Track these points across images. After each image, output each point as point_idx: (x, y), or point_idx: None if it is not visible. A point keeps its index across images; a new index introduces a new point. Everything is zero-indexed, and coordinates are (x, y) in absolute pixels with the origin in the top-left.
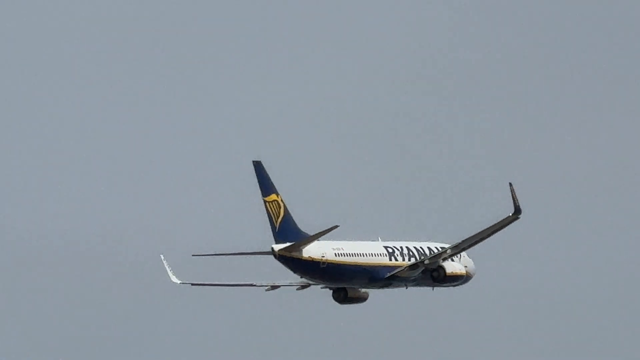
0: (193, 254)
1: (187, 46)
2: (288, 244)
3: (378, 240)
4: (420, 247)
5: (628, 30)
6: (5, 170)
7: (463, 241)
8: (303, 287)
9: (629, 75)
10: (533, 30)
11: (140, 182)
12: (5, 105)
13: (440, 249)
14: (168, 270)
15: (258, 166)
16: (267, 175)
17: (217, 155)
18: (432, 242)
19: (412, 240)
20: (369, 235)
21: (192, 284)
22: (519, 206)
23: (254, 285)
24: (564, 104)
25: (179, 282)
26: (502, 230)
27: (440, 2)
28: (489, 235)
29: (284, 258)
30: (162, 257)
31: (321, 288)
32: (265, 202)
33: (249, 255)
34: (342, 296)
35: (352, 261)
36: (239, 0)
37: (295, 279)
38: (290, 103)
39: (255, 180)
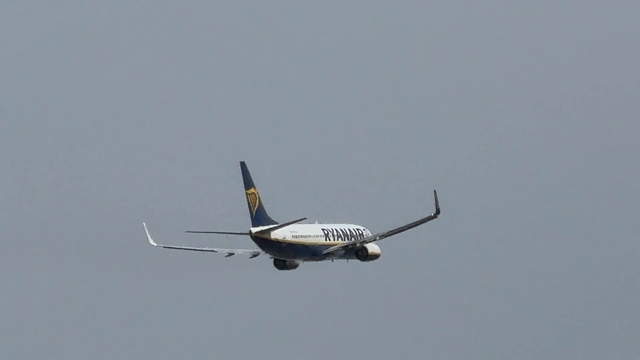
0: (186, 230)
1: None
2: (262, 228)
3: (315, 223)
4: (346, 229)
5: None
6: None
7: (390, 231)
8: (254, 255)
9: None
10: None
11: (149, 174)
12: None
13: (357, 230)
14: (148, 234)
15: (243, 166)
16: (249, 173)
17: (210, 154)
18: (352, 224)
19: (338, 223)
20: (318, 218)
21: (164, 247)
22: (439, 209)
23: (215, 252)
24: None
25: (155, 244)
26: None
27: None
28: (410, 228)
29: (257, 238)
30: (144, 224)
31: (269, 257)
32: (246, 193)
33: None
34: (281, 264)
35: (302, 241)
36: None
37: (249, 248)
38: (272, 112)
39: (241, 176)
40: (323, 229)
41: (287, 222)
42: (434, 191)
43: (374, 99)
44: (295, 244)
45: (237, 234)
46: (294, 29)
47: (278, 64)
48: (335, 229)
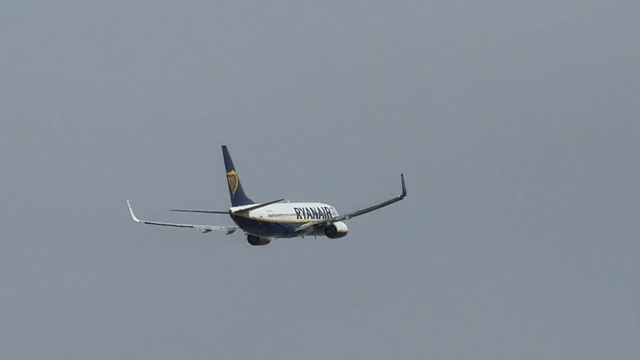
0: (171, 209)
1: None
2: (241, 207)
3: (286, 201)
4: (315, 208)
5: None
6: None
7: (358, 211)
8: (230, 231)
9: None
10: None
11: (136, 158)
12: None
13: (325, 209)
14: (131, 211)
15: (224, 150)
16: (229, 156)
17: (194, 139)
18: (320, 203)
19: (308, 202)
20: (290, 197)
21: (145, 222)
22: (405, 191)
23: (193, 227)
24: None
25: (137, 220)
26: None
27: None
28: (377, 208)
29: (237, 217)
30: (128, 202)
31: (244, 233)
32: (227, 175)
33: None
34: (254, 240)
35: (277, 220)
36: None
37: (225, 224)
38: (251, 101)
39: (222, 159)
40: (295, 208)
41: (265, 202)
42: (401, 175)
43: (347, 83)
44: (271, 223)
45: (218, 212)
46: (271, 14)
47: (256, 55)
48: (306, 208)
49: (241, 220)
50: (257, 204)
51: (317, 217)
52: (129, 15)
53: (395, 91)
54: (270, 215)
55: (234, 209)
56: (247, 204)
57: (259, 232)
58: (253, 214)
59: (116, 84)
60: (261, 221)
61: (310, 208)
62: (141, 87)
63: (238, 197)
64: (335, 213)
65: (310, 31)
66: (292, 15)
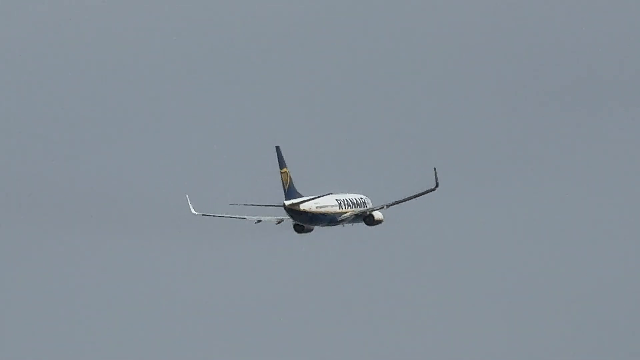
0: (230, 203)
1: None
2: (293, 201)
3: (330, 193)
4: (352, 198)
5: None
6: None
7: (395, 201)
8: (279, 222)
9: None
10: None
11: (200, 157)
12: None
13: (361, 199)
14: (190, 204)
15: (277, 150)
16: (282, 155)
17: (251, 139)
18: (356, 193)
19: (346, 193)
20: (330, 189)
21: (203, 214)
22: (438, 183)
23: (245, 219)
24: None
25: (196, 213)
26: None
27: None
28: (412, 199)
29: (290, 209)
30: (187, 197)
31: (292, 223)
32: (280, 172)
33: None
34: (300, 229)
35: (323, 211)
36: None
37: (274, 215)
38: (301, 105)
39: (276, 157)
40: (336, 199)
41: (314, 196)
42: (434, 168)
43: (382, 88)
44: (318, 213)
45: (273, 205)
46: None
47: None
48: (345, 199)
49: (293, 212)
50: (307, 198)
51: (355, 207)
52: (193, 19)
53: (435, 88)
54: (317, 207)
55: (287, 202)
56: (297, 197)
57: (308, 222)
58: (303, 206)
59: (183, 89)
60: (310, 212)
61: (349, 199)
62: (207, 95)
63: (290, 191)
64: (369, 202)
65: (344, 34)
66: (334, 18)
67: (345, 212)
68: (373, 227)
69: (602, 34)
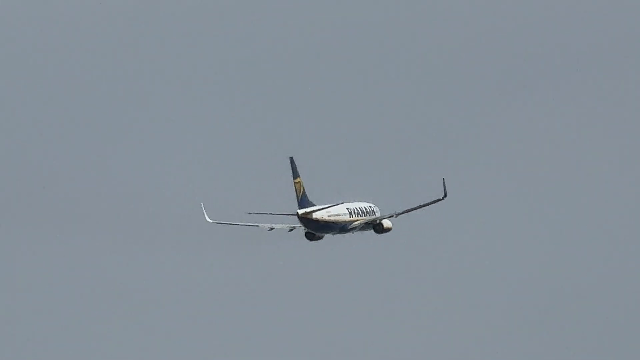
0: (246, 212)
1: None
2: (306, 210)
3: (342, 203)
4: (362, 207)
5: None
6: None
7: (404, 210)
8: (291, 229)
9: None
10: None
11: (218, 167)
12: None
13: (369, 207)
14: (204, 213)
15: (291, 160)
16: (295, 166)
17: (266, 151)
18: (365, 202)
19: (356, 202)
20: (341, 197)
21: (217, 222)
22: (446, 193)
23: (258, 226)
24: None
25: (210, 220)
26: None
27: None
28: (420, 208)
29: (302, 218)
30: (202, 204)
31: (303, 230)
32: (294, 182)
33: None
34: (310, 236)
35: (335, 219)
36: None
37: (286, 223)
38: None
39: (290, 168)
40: (347, 208)
41: (326, 205)
42: (443, 179)
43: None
44: (329, 222)
45: (287, 214)
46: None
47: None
48: (355, 208)
49: (306, 220)
50: (319, 207)
51: (364, 215)
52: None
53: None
54: (329, 216)
55: (300, 211)
56: (309, 206)
57: (320, 230)
58: (316, 215)
59: (201, 101)
60: (322, 221)
61: (359, 207)
62: (226, 108)
63: (303, 200)
64: (377, 211)
65: (356, 50)
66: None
67: (356, 221)
68: (382, 234)
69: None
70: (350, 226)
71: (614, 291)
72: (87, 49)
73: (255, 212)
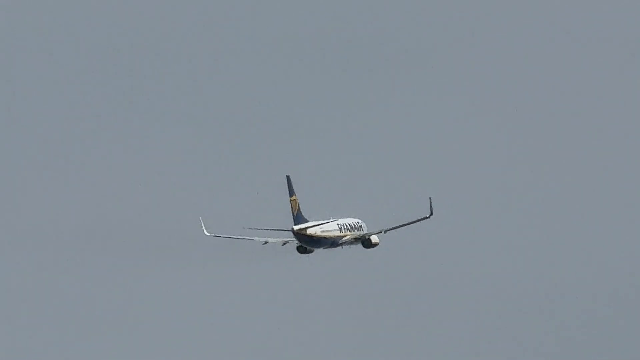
0: (244, 227)
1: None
2: (301, 226)
3: (331, 219)
4: (350, 223)
5: None
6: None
7: (393, 227)
8: (284, 243)
9: None
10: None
11: (218, 185)
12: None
13: (357, 223)
14: (203, 226)
15: (288, 179)
16: (291, 184)
17: (262, 170)
18: (353, 218)
19: (344, 218)
20: (331, 213)
21: (214, 235)
22: (432, 212)
23: (253, 240)
24: None
25: (208, 234)
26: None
27: None
28: (407, 225)
29: (297, 234)
30: (201, 219)
31: (296, 245)
32: (290, 200)
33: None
34: (302, 250)
35: (327, 235)
36: None
37: (280, 237)
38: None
39: (286, 186)
40: (337, 224)
41: (318, 222)
42: (429, 198)
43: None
44: (322, 237)
45: (283, 230)
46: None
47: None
48: (345, 223)
49: (300, 235)
50: (313, 223)
51: (353, 230)
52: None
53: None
54: (322, 232)
55: (296, 227)
56: (304, 222)
57: (313, 244)
58: (310, 231)
59: (202, 120)
60: (316, 236)
61: (348, 223)
62: (226, 130)
63: (298, 217)
64: (364, 226)
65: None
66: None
67: (346, 236)
68: (370, 249)
69: None
70: (340, 241)
71: (589, 306)
72: (85, 59)
73: (253, 227)
